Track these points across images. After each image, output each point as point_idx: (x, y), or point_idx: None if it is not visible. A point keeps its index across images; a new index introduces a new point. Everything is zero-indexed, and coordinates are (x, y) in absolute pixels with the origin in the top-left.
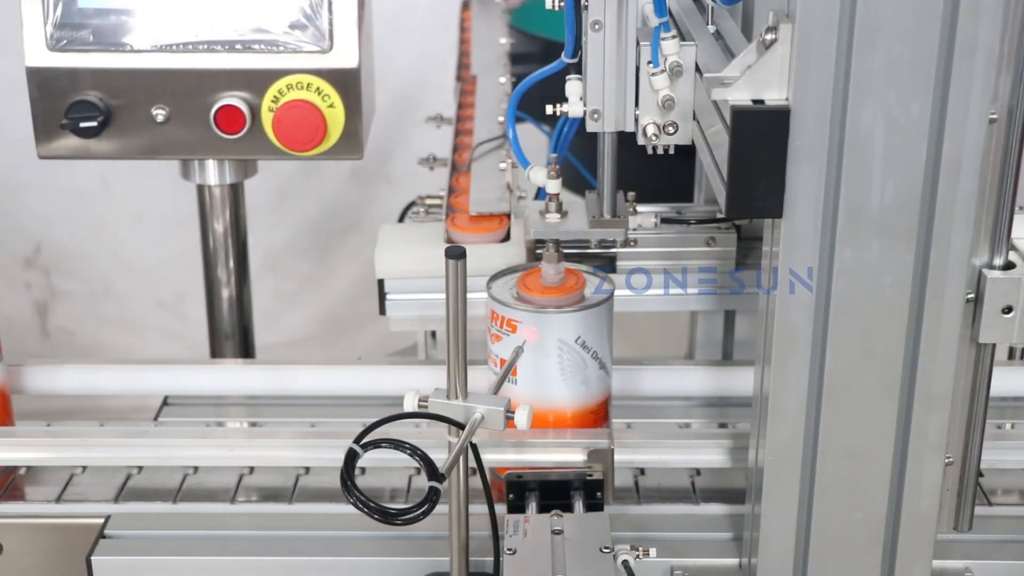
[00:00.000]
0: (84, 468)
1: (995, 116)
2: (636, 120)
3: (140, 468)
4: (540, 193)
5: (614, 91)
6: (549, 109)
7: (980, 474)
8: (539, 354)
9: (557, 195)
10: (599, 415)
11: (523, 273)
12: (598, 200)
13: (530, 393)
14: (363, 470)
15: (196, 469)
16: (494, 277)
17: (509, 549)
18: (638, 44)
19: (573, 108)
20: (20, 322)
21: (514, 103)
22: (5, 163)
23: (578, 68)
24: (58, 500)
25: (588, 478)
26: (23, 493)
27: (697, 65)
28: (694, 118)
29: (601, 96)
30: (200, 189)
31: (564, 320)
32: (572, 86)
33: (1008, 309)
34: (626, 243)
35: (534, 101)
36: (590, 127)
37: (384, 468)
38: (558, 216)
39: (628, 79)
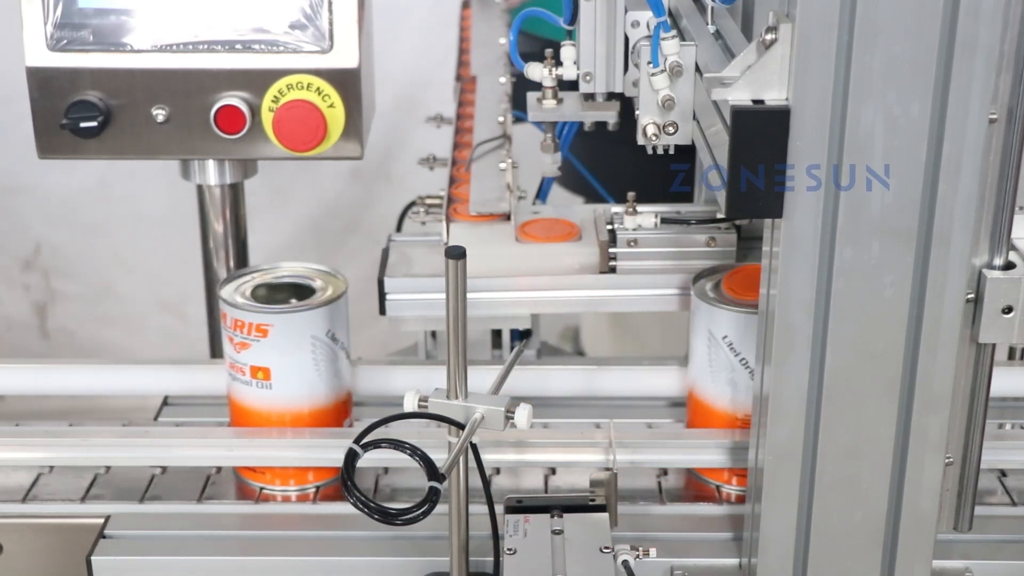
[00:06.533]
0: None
1: (995, 116)
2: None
3: (134, 468)
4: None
5: (604, 56)
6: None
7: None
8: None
9: (552, 87)
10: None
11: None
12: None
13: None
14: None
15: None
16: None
17: (509, 549)
18: (626, 11)
19: (567, 71)
20: (19, 323)
21: (518, 23)
22: (4, 165)
23: None
24: (57, 500)
25: (590, 503)
26: (23, 493)
27: (697, 65)
28: (694, 118)
29: (593, 60)
30: (200, 189)
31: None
32: (566, 51)
33: (1008, 309)
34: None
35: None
36: (583, 88)
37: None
38: (555, 103)
39: (617, 45)
